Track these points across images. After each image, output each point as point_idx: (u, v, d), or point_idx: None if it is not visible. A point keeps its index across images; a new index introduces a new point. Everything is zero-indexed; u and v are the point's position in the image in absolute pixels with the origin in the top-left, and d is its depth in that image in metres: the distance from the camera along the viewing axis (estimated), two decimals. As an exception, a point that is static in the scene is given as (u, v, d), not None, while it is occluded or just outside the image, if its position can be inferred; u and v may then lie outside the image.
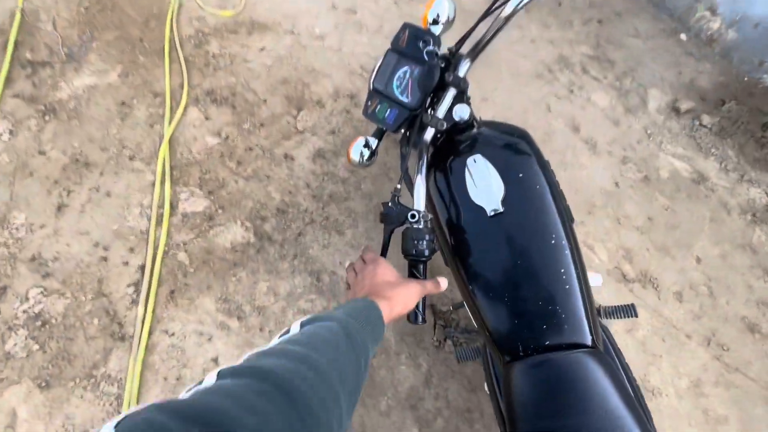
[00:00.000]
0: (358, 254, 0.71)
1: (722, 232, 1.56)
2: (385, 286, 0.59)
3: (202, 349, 1.15)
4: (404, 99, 0.73)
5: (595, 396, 0.55)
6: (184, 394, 0.31)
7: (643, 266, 1.46)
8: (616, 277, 1.43)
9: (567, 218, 0.69)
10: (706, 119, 1.79)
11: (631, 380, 0.70)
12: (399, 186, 0.70)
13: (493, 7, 0.72)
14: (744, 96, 1.86)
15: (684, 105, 1.81)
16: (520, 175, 0.70)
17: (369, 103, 0.77)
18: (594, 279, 1.00)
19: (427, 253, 0.65)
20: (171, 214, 1.31)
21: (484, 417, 1.18)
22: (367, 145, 0.80)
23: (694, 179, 1.65)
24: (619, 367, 0.69)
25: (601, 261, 1.45)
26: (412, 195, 0.69)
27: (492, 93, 1.75)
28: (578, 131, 1.71)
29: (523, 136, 0.75)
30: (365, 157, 0.80)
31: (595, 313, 0.67)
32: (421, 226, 0.66)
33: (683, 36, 2.03)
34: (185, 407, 0.27)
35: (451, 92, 0.72)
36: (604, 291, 1.40)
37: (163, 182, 1.35)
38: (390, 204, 0.69)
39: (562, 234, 0.66)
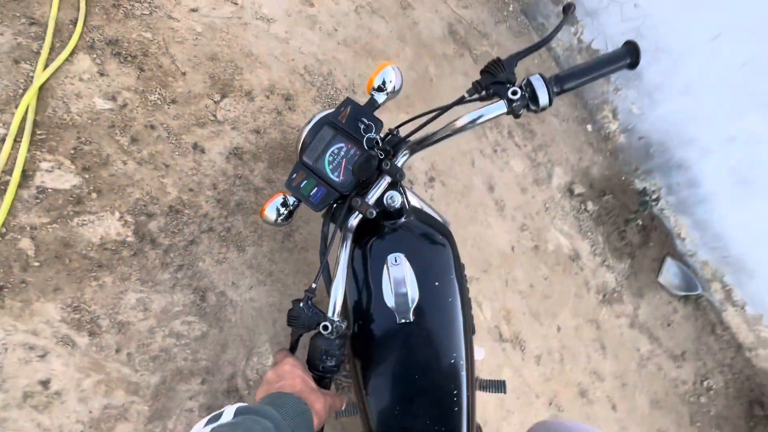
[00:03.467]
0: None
1: (580, 307, 1.83)
2: (311, 393, 0.56)
3: (30, 367, 0.92)
4: (335, 178, 0.68)
5: None
6: None
7: (517, 328, 1.63)
8: (494, 336, 1.57)
9: (469, 332, 0.70)
10: (590, 205, 2.08)
11: None
12: (314, 285, 0.61)
13: (444, 110, 0.70)
14: (619, 192, 2.22)
15: (577, 188, 2.08)
16: (437, 283, 0.69)
17: (294, 176, 0.69)
18: (477, 352, 1.07)
19: (336, 369, 0.60)
20: (21, 185, 1.03)
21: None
22: (285, 203, 0.72)
23: (571, 256, 1.91)
24: None
25: (485, 318, 1.58)
26: (328, 290, 0.62)
27: (427, 134, 1.77)
28: (492, 191, 1.84)
29: (447, 236, 0.74)
30: (282, 217, 0.73)
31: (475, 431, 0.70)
32: (333, 338, 0.60)
33: (589, 127, 2.34)
34: None
35: (386, 180, 0.68)
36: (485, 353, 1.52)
37: (18, 140, 1.05)
38: (301, 304, 0.60)
39: (463, 353, 0.67)
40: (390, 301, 0.67)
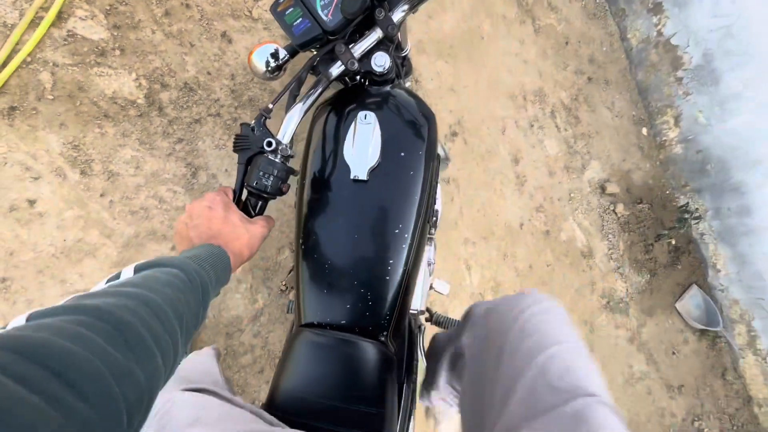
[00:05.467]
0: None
1: (578, 304, 1.71)
2: (231, 232, 0.54)
3: (22, 185, 0.99)
4: (322, 15, 0.64)
5: (356, 384, 0.55)
6: None
7: (503, 304, 1.56)
8: (476, 300, 1.50)
9: (425, 217, 0.66)
10: (620, 208, 1.92)
11: (412, 382, 0.72)
12: (271, 106, 0.60)
13: None
14: (658, 205, 2.03)
15: (610, 188, 1.92)
16: (402, 154, 0.65)
17: (282, 0, 0.65)
18: (441, 286, 1.03)
19: (269, 190, 0.58)
20: (54, 25, 1.09)
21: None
22: (275, 55, 0.68)
23: (583, 252, 1.78)
24: (403, 368, 0.71)
25: (471, 283, 1.52)
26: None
27: (462, 89, 1.69)
28: (517, 164, 1.74)
29: (428, 119, 0.70)
30: (269, 69, 0.69)
31: (405, 313, 0.67)
32: (276, 159, 0.58)
33: (644, 130, 2.14)
34: None
35: (376, 33, 0.64)
36: (459, 309, 1.47)
37: (61, -16, 1.11)
38: (252, 125, 0.59)
39: (410, 228, 0.64)
40: (348, 156, 0.65)
